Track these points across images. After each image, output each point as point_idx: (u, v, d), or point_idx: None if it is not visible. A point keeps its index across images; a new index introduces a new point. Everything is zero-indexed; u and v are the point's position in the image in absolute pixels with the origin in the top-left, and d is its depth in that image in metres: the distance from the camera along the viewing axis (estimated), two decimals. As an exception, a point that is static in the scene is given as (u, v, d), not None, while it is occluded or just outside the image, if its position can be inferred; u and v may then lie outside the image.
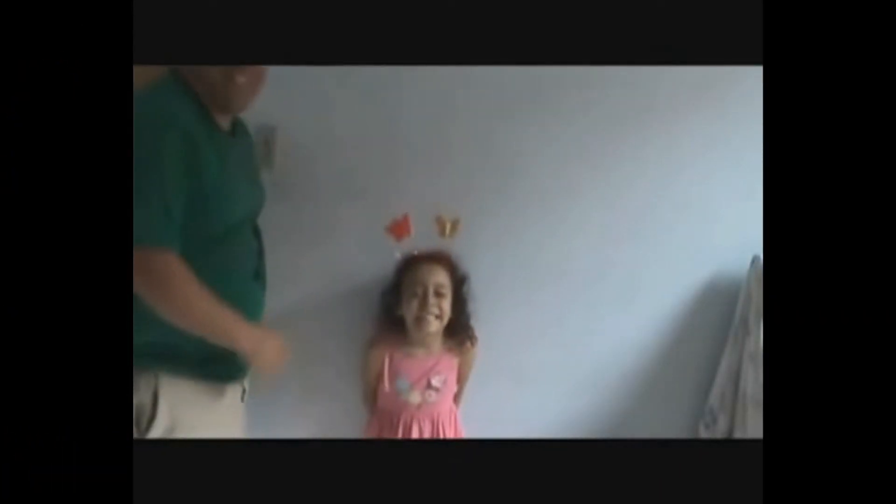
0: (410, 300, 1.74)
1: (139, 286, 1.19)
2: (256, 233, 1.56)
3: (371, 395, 1.87)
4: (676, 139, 1.86)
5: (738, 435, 1.80)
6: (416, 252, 1.80)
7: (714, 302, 1.91)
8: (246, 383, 1.53)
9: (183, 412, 1.36)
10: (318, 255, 1.86)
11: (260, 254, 1.55)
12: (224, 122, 1.44)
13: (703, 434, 1.91)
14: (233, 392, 1.48)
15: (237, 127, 1.52)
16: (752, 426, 1.73)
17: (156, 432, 1.34)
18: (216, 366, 1.41)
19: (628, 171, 1.87)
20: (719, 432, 1.85)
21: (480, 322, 1.88)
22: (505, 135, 1.85)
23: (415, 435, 1.79)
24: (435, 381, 1.79)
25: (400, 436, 1.79)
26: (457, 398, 1.89)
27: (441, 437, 1.81)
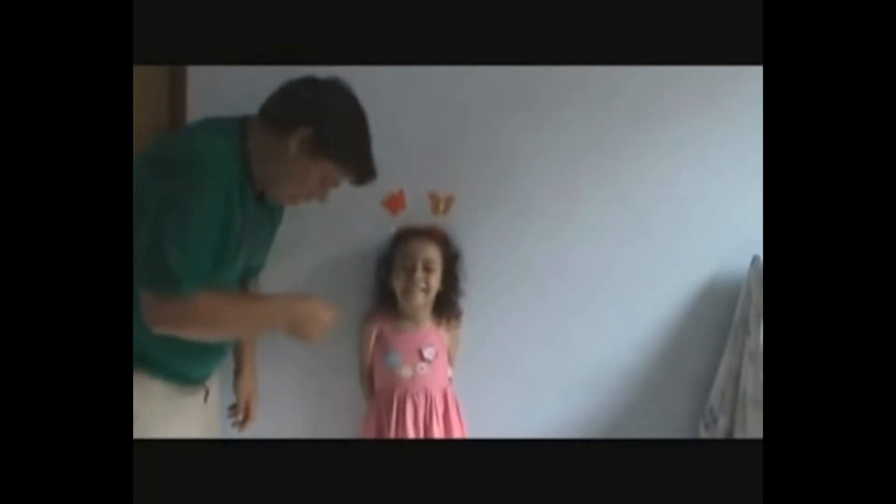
0: (400, 273, 1.79)
1: (188, 334, 1.32)
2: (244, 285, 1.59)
3: (367, 371, 1.89)
4: (676, 139, 1.86)
5: (738, 435, 1.80)
6: (396, 229, 1.84)
7: (714, 302, 1.91)
8: (209, 385, 1.53)
9: (145, 405, 1.34)
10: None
11: None
12: (259, 185, 1.44)
13: (703, 434, 1.91)
14: (195, 393, 1.49)
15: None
16: (752, 426, 1.73)
17: None
18: (177, 367, 1.41)
19: (628, 170, 1.87)
20: (719, 432, 1.85)
21: (480, 321, 1.88)
22: (505, 135, 1.85)
23: (409, 412, 1.79)
24: (427, 353, 1.82)
25: (394, 414, 1.80)
26: (450, 380, 1.89)
27: (434, 414, 1.81)
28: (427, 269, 1.78)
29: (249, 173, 1.38)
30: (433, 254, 1.79)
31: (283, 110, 1.39)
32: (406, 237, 1.82)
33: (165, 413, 1.40)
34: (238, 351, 1.72)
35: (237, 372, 1.73)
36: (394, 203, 1.85)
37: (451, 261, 1.84)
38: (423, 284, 1.78)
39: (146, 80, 1.70)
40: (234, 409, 1.74)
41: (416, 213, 1.86)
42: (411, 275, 1.77)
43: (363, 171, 1.46)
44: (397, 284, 1.80)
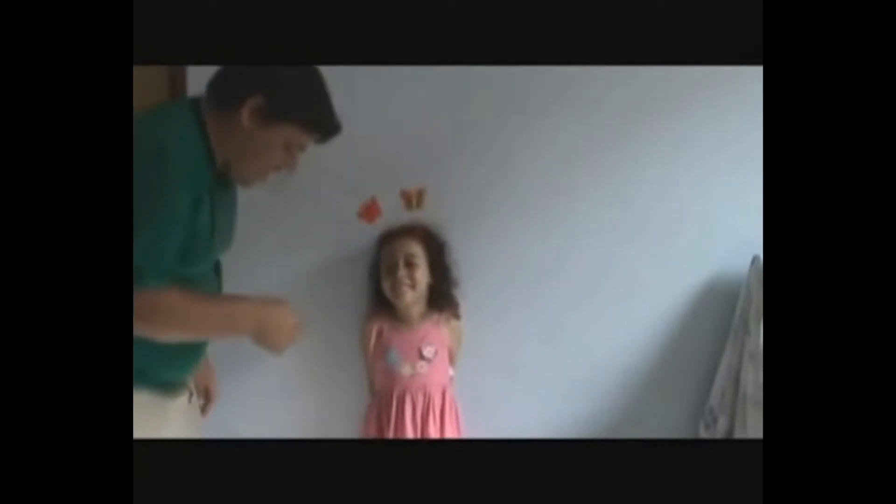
0: (386, 275, 1.80)
1: (147, 331, 1.22)
2: (218, 270, 1.54)
3: (371, 370, 1.90)
4: (677, 139, 1.86)
5: (738, 435, 1.80)
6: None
7: (714, 302, 1.91)
8: (191, 385, 1.51)
9: (137, 417, 1.31)
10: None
11: (219, 291, 1.53)
12: (220, 164, 1.38)
13: (703, 434, 1.91)
14: (180, 395, 1.45)
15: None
16: (752, 426, 1.73)
17: None
18: (159, 374, 1.36)
19: (628, 170, 1.87)
20: (719, 432, 1.85)
21: (478, 320, 1.89)
22: (504, 135, 1.85)
23: (408, 410, 1.80)
24: (426, 352, 1.83)
25: (393, 412, 1.81)
26: (451, 380, 1.90)
27: (431, 412, 1.82)
28: (409, 263, 1.78)
29: (212, 156, 1.33)
30: (414, 248, 1.80)
31: (229, 83, 1.34)
32: (387, 239, 1.83)
33: (156, 421, 1.36)
34: None
35: None
36: (368, 212, 1.87)
37: (437, 253, 1.84)
38: (407, 280, 1.78)
39: (146, 80, 1.70)
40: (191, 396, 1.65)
41: (423, 214, 1.87)
42: (395, 273, 1.78)
43: (326, 125, 1.38)
44: (386, 286, 1.81)
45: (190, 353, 1.44)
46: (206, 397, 1.70)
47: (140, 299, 1.17)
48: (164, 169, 1.21)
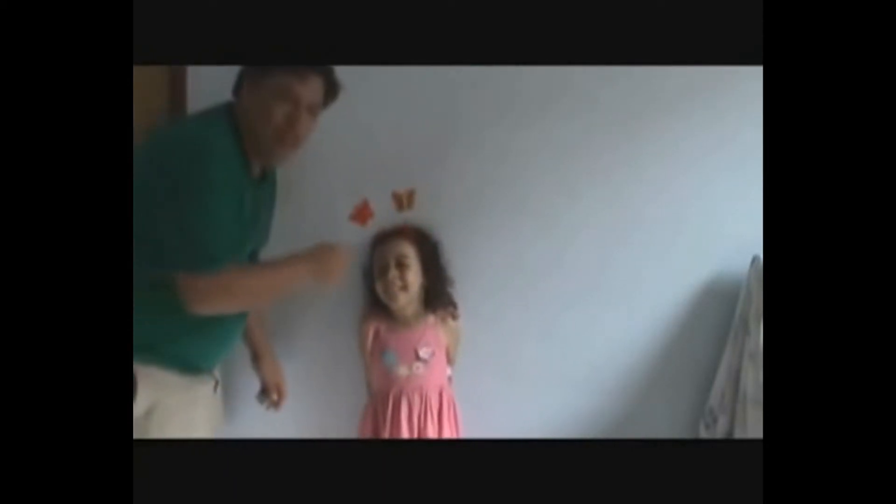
0: (378, 277, 1.80)
1: (227, 307, 1.41)
2: (254, 259, 1.62)
3: (369, 371, 1.90)
4: (676, 138, 1.86)
5: (738, 435, 1.80)
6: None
7: (714, 302, 1.90)
8: (217, 374, 1.57)
9: (161, 396, 1.40)
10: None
11: None
12: (256, 167, 1.50)
13: (703, 434, 1.91)
14: (206, 382, 1.53)
15: (267, 174, 1.58)
16: (752, 426, 1.73)
17: (136, 411, 1.36)
18: (187, 357, 1.45)
19: (628, 170, 1.87)
20: (719, 432, 1.85)
21: (476, 319, 1.89)
22: (504, 134, 1.85)
23: (404, 411, 1.80)
24: (423, 353, 1.82)
25: (390, 412, 1.80)
26: (450, 380, 1.90)
27: (429, 413, 1.81)
28: (401, 265, 1.78)
29: (246, 155, 1.44)
30: (405, 249, 1.79)
31: (234, 83, 1.49)
32: (380, 240, 1.83)
33: (181, 404, 1.44)
34: (250, 338, 1.75)
35: (257, 358, 1.77)
36: (360, 215, 1.87)
37: (430, 253, 1.83)
38: (399, 283, 1.77)
39: (146, 80, 1.70)
40: (263, 393, 1.77)
41: (419, 214, 1.88)
42: (386, 275, 1.78)
43: (309, 64, 1.46)
44: (379, 288, 1.80)
45: (215, 340, 1.51)
46: (278, 393, 1.78)
47: (214, 280, 1.34)
48: (209, 161, 1.35)
